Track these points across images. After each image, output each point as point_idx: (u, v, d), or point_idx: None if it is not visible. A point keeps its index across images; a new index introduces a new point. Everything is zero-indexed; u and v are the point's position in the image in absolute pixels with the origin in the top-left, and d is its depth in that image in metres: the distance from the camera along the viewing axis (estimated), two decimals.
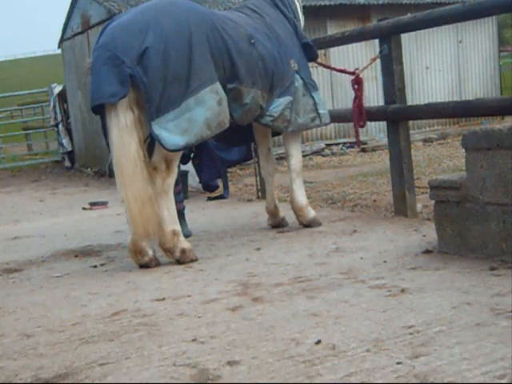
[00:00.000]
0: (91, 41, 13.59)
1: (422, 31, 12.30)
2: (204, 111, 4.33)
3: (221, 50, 4.50)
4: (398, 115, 5.47)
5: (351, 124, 6.01)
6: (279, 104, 4.95)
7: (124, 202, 4.26)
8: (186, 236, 4.82)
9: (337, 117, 6.05)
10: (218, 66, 4.48)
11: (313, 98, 5.13)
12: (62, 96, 16.09)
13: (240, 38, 4.67)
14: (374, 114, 5.72)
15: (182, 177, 6.74)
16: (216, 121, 4.41)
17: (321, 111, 5.19)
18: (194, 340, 2.84)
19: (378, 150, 13.09)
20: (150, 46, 4.22)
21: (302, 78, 5.08)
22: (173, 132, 4.24)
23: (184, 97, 4.27)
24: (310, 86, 5.15)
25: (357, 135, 5.90)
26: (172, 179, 4.44)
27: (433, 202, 4.09)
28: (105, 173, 13.14)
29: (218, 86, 4.43)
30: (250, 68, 4.69)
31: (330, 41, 6.29)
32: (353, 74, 5.61)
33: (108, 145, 4.43)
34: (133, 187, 4.22)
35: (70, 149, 16.01)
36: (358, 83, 5.59)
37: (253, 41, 4.75)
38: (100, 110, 4.37)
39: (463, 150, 3.83)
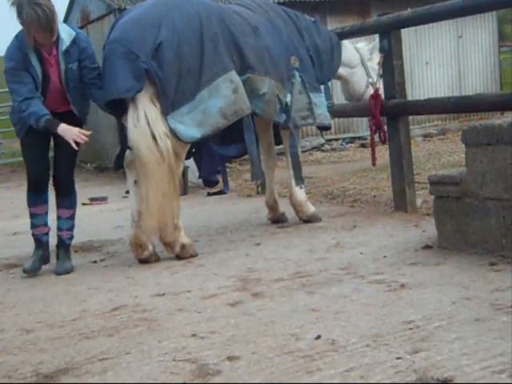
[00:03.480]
0: (91, 36, 13.55)
1: (422, 26, 12.26)
2: (218, 101, 4.35)
3: (228, 42, 4.51)
4: (398, 110, 5.46)
5: (351, 119, 5.97)
6: None
7: (143, 194, 4.24)
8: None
9: (336, 112, 6.03)
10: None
11: (309, 97, 5.10)
12: None
13: (245, 30, 4.69)
14: None
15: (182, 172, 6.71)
16: (232, 109, 4.42)
17: (318, 112, 5.15)
18: (193, 335, 2.85)
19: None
20: (164, 41, 4.23)
21: (300, 76, 5.06)
22: (188, 125, 4.27)
23: (197, 89, 4.30)
24: (309, 86, 5.12)
25: (373, 155, 5.78)
26: (178, 172, 4.45)
27: (433, 197, 4.09)
28: (105, 168, 13.11)
29: (232, 74, 4.43)
30: (260, 58, 4.69)
31: None
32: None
33: (121, 140, 4.44)
34: (156, 179, 4.20)
35: None
36: (374, 98, 5.41)
37: (258, 33, 4.76)
38: (112, 104, 4.37)
39: (463, 146, 3.83)
